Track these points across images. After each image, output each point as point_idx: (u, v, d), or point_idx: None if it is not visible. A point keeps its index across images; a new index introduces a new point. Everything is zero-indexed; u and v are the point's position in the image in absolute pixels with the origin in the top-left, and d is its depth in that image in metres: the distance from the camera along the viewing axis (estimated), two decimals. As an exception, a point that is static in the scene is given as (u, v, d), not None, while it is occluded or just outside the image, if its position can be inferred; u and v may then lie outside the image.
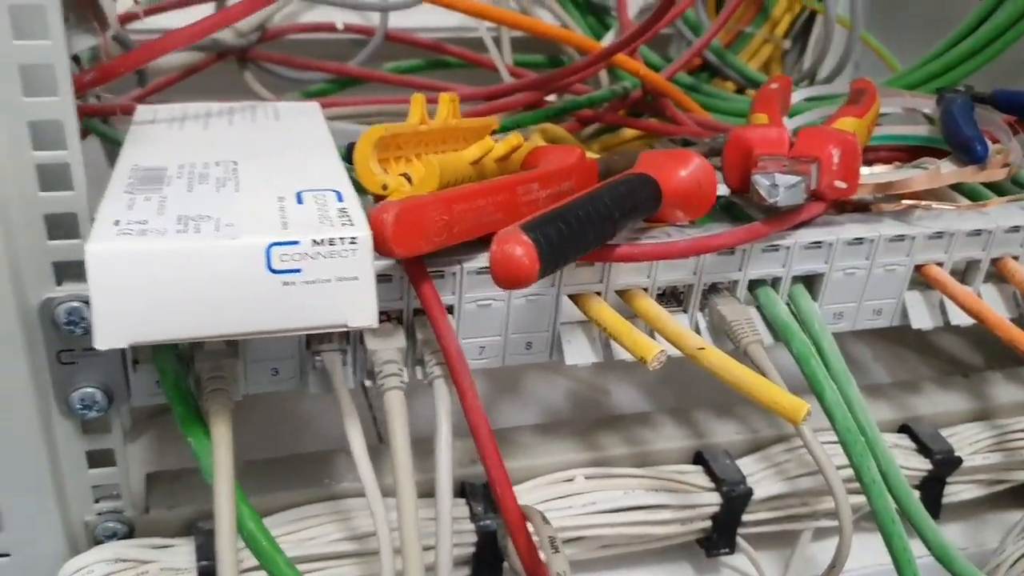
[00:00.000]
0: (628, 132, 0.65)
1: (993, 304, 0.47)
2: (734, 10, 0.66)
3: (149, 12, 0.58)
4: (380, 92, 0.67)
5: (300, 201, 0.33)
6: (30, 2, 0.30)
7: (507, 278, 0.31)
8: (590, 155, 0.46)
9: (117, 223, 0.30)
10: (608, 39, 0.69)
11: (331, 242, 0.30)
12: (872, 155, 0.52)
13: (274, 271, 0.29)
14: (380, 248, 0.32)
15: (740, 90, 0.73)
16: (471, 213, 0.36)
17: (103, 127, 0.52)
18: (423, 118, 0.41)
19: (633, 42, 0.55)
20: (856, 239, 0.43)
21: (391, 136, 0.38)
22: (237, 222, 0.30)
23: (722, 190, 0.44)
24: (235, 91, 0.65)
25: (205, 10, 0.60)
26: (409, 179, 0.38)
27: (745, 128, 0.44)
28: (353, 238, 0.30)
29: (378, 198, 0.38)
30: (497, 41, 0.71)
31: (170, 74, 0.61)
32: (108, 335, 0.29)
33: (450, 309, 0.38)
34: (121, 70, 0.40)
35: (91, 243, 0.28)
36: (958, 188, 0.50)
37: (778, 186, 0.39)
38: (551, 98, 0.65)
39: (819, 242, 0.43)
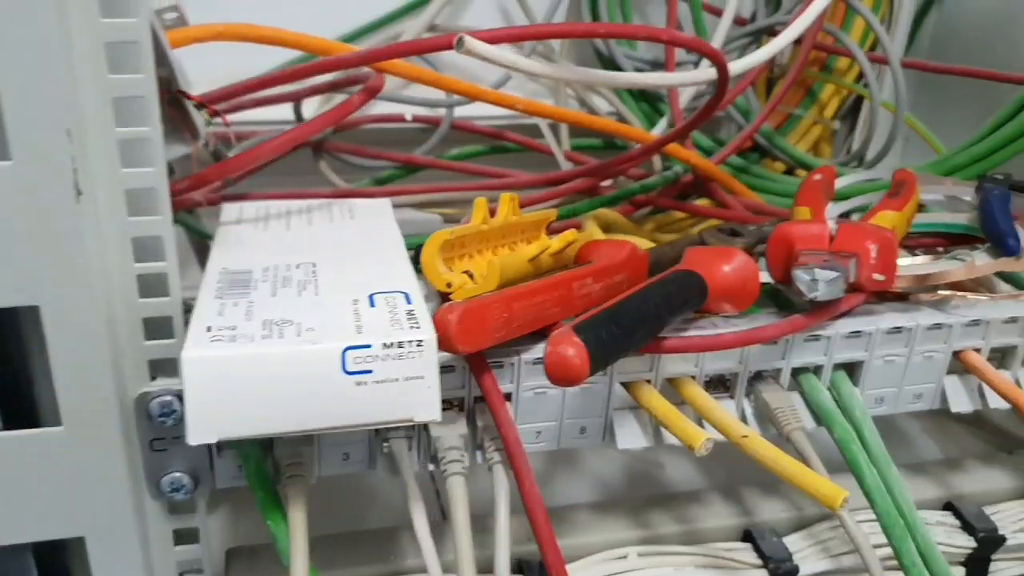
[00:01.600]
0: (679, 214, 0.68)
1: (1034, 388, 0.48)
2: (783, 97, 0.69)
3: (229, 111, 0.62)
4: (445, 175, 0.71)
5: (372, 304, 0.36)
6: (139, 135, 0.34)
7: (560, 377, 0.34)
8: (641, 247, 0.49)
9: (209, 329, 0.33)
10: (661, 126, 0.72)
11: (400, 345, 0.33)
12: (914, 242, 0.54)
13: (348, 372, 0.33)
14: (444, 345, 0.35)
15: (789, 170, 0.76)
16: (530, 309, 0.39)
17: (188, 218, 0.57)
18: (485, 219, 0.44)
19: (685, 135, 0.58)
20: (895, 328, 0.45)
21: (455, 239, 0.41)
22: (316, 326, 0.34)
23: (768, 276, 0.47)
24: (311, 177, 0.70)
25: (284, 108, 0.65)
26: (471, 276, 0.42)
27: (788, 224, 0.46)
28: (420, 341, 0.33)
29: (444, 295, 0.42)
30: (555, 127, 0.74)
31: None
32: (200, 432, 0.32)
33: (508, 396, 0.41)
34: (214, 178, 0.44)
35: (187, 350, 0.32)
36: (1003, 275, 0.52)
37: (818, 280, 0.42)
38: (607, 182, 0.68)
39: (859, 332, 0.45)
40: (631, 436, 0.44)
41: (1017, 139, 0.63)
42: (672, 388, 0.44)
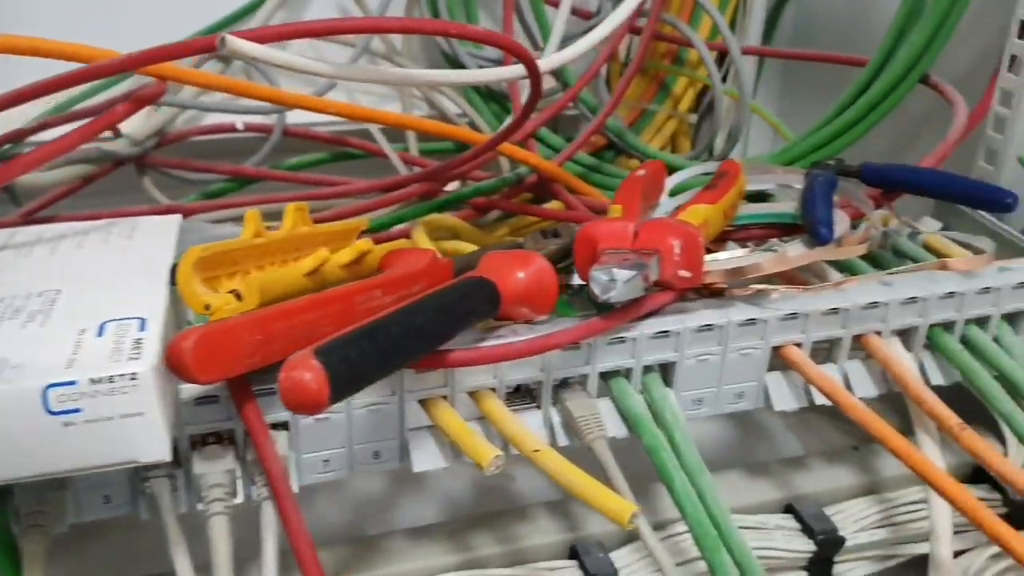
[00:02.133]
0: (532, 217, 0.66)
1: (860, 381, 0.47)
2: (624, 91, 0.67)
3: (37, 130, 0.58)
4: (285, 188, 0.68)
5: (101, 333, 0.33)
6: None
7: (296, 404, 0.30)
8: (456, 254, 0.46)
9: (-94, 371, 0.30)
10: (505, 126, 0.69)
11: (110, 379, 0.30)
12: (744, 234, 0.52)
13: (53, 412, 0.29)
14: (181, 375, 0.32)
15: (645, 166, 0.74)
16: (295, 330, 0.36)
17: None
18: (258, 231, 0.41)
19: (511, 134, 0.56)
20: (705, 326, 0.43)
21: (214, 254, 0.38)
22: (24, 362, 0.30)
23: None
24: (136, 195, 0.66)
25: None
26: (239, 296, 0.38)
27: (592, 224, 0.44)
28: (133, 374, 0.30)
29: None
30: (402, 133, 0.71)
31: (63, 186, 0.61)
32: None
33: (286, 425, 0.38)
34: None
35: None
36: (840, 264, 0.50)
37: (615, 281, 0.39)
38: (454, 186, 0.65)
39: (666, 331, 0.42)
40: (428, 457, 0.41)
41: (855, 124, 0.62)
42: (474, 401, 0.41)
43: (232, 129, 0.69)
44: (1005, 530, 0.36)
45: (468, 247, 0.57)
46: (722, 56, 0.75)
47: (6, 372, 0.30)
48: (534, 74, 0.48)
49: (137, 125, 0.65)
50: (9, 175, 0.42)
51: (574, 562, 0.46)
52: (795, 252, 0.44)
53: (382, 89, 0.77)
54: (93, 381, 0.30)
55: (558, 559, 0.46)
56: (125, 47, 0.43)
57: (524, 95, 0.69)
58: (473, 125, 0.75)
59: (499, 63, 0.74)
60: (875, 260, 0.52)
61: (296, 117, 0.70)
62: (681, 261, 0.42)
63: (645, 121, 0.78)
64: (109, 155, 0.62)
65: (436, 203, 0.59)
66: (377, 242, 0.57)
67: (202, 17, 0.74)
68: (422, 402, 0.40)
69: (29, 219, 0.57)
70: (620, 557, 0.46)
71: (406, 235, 0.57)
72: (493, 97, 0.75)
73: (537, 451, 0.37)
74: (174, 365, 0.32)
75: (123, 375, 0.30)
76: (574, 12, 0.72)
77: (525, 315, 0.42)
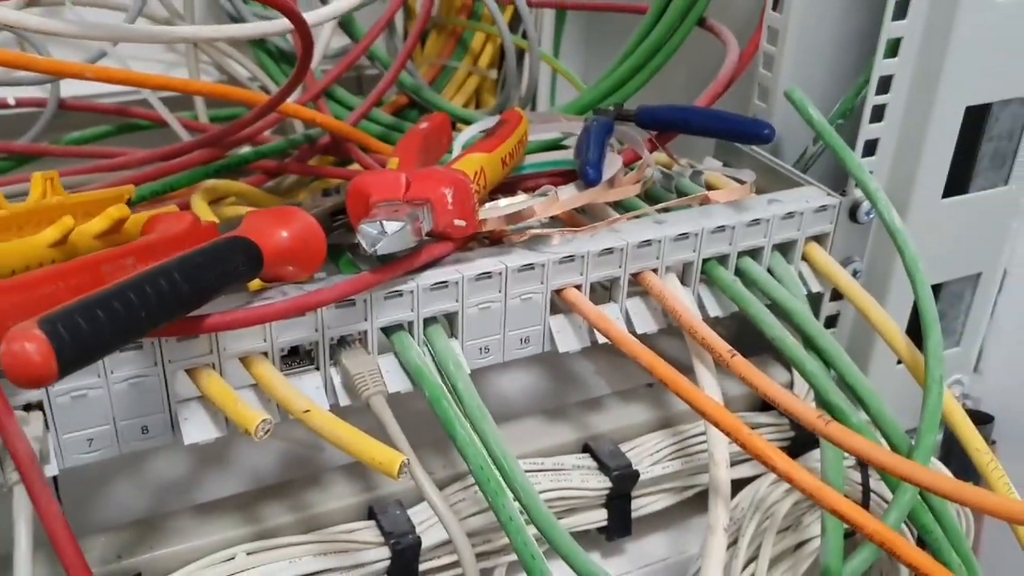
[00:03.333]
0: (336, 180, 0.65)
1: (640, 318, 0.48)
2: (411, 47, 0.66)
3: None
4: (69, 164, 0.64)
5: None
6: None
7: (20, 378, 0.29)
8: (209, 219, 0.45)
9: None
10: (298, 91, 0.67)
11: None
12: (532, 183, 0.53)
13: None
14: None
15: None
16: (32, 303, 0.34)
17: None
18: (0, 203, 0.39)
19: (288, 93, 0.54)
20: (484, 273, 0.43)
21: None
22: None
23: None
24: None
25: None
26: (-27, 272, 0.36)
27: (362, 175, 0.43)
28: None
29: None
30: (190, 101, 0.69)
31: None
32: None
33: (37, 405, 0.36)
34: None
35: None
36: (621, 205, 0.51)
37: (385, 233, 0.38)
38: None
39: (444, 282, 0.42)
40: (200, 428, 0.39)
41: (639, 70, 0.63)
42: (245, 367, 0.40)
43: (4, 105, 0.65)
44: (764, 447, 0.37)
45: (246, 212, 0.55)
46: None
47: None
48: (301, 27, 0.47)
49: None
50: None
51: (371, 522, 0.45)
52: (567, 195, 0.45)
53: (169, 57, 0.74)
54: None
55: (356, 520, 0.45)
56: None
57: (318, 52, 0.67)
58: (265, 89, 0.72)
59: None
60: (657, 200, 0.53)
61: (73, 89, 0.66)
62: (454, 210, 0.42)
63: (445, 78, 0.77)
64: None
65: (213, 167, 0.57)
66: (152, 204, 0.55)
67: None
68: (189, 371, 0.39)
69: None
70: (417, 512, 0.45)
71: (186, 206, 0.55)
72: (285, 59, 0.73)
73: (307, 411, 0.37)
74: None
75: None
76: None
77: (292, 275, 0.41)
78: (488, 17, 0.77)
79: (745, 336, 0.53)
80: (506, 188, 0.51)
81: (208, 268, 0.36)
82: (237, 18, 0.72)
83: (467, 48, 0.77)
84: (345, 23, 0.73)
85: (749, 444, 0.38)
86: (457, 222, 0.42)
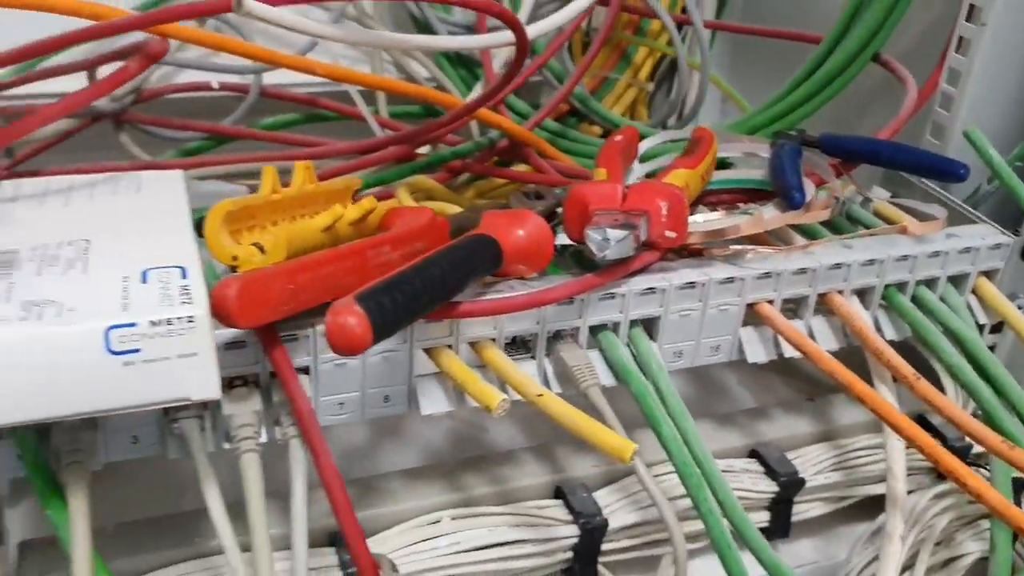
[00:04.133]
0: (500, 180, 0.68)
1: (822, 336, 0.51)
2: (591, 60, 0.70)
3: (17, 83, 0.59)
4: (260, 147, 0.69)
5: (145, 280, 0.34)
6: None
7: (342, 346, 0.33)
8: (443, 214, 0.49)
9: (-39, 313, 0.31)
10: (476, 91, 0.72)
11: (168, 322, 0.32)
12: (715, 198, 0.56)
13: (114, 352, 0.31)
14: (224, 321, 0.34)
15: (606, 133, 0.77)
16: (319, 280, 0.38)
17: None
18: (275, 187, 0.43)
19: (490, 100, 0.58)
20: (688, 283, 0.46)
21: (240, 209, 0.40)
22: (79, 306, 0.32)
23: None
24: (112, 152, 0.67)
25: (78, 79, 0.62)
26: (262, 248, 0.40)
27: (582, 185, 0.47)
28: (190, 317, 0.32)
29: (233, 268, 0.40)
30: (372, 94, 0.73)
31: (42, 141, 0.62)
32: (-44, 419, 0.31)
33: (307, 370, 0.41)
34: None
35: (-66, 334, 0.30)
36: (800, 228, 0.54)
37: (609, 240, 0.42)
38: (425, 149, 0.67)
39: (653, 288, 0.46)
40: (434, 401, 0.43)
41: (812, 98, 0.66)
42: (474, 352, 0.44)
43: (208, 88, 0.70)
44: (957, 464, 0.40)
45: (446, 207, 0.59)
46: (679, 25, 0.79)
47: (64, 315, 0.32)
48: (522, 41, 0.51)
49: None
50: (25, 130, 0.43)
51: (559, 501, 0.49)
52: (770, 215, 0.48)
53: (352, 52, 0.78)
54: (153, 323, 0.32)
55: (545, 498, 0.49)
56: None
57: (496, 61, 0.72)
58: (441, 88, 0.77)
59: (470, 28, 0.76)
60: (831, 224, 0.56)
61: (271, 78, 0.71)
62: (667, 222, 0.45)
63: (606, 89, 0.81)
64: (92, 110, 0.63)
65: (418, 164, 0.61)
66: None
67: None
68: (428, 351, 0.43)
69: (11, 173, 0.58)
70: (602, 496, 0.49)
71: (388, 196, 0.60)
72: (461, 62, 0.77)
73: (540, 395, 0.41)
74: (218, 310, 0.34)
75: (180, 318, 0.32)
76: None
77: (521, 271, 0.45)
78: (652, 33, 0.80)
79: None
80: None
81: (468, 262, 0.40)
82: (422, 20, 0.76)
83: (630, 61, 0.81)
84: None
85: (943, 460, 0.41)
86: (668, 233, 0.45)
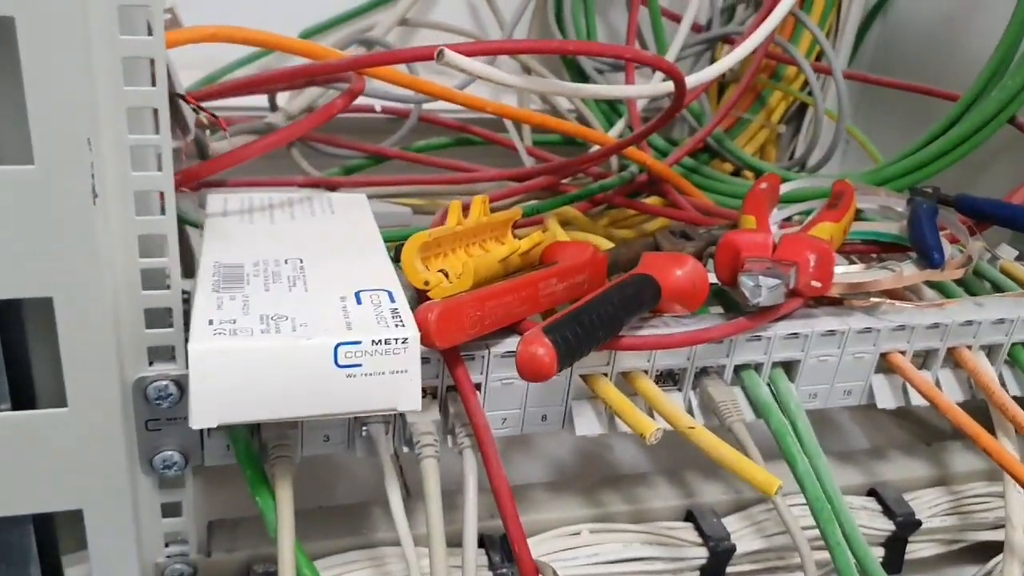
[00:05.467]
0: (630, 210, 0.72)
1: (949, 387, 0.53)
2: (735, 103, 0.73)
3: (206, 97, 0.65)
4: (411, 166, 0.74)
5: (359, 301, 0.39)
6: (149, 142, 0.36)
7: (531, 374, 0.37)
8: (600, 246, 0.53)
9: (211, 323, 0.37)
10: (618, 127, 0.76)
11: (387, 342, 0.36)
12: (851, 248, 0.59)
13: (340, 366, 0.36)
14: (424, 341, 0.39)
15: (737, 171, 0.80)
16: (500, 308, 0.43)
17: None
18: (460, 220, 0.48)
19: (642, 139, 0.62)
20: (829, 331, 0.50)
21: (433, 240, 0.45)
22: (310, 322, 0.37)
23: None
24: (282, 163, 0.73)
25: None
26: (446, 275, 0.45)
27: (735, 233, 0.50)
28: (405, 338, 0.37)
29: (421, 291, 0.45)
30: (518, 124, 0.78)
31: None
32: (202, 417, 0.36)
33: (478, 386, 0.45)
34: (205, 175, 0.47)
35: (192, 343, 0.35)
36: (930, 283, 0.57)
37: (761, 287, 0.46)
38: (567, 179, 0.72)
39: (796, 333, 0.49)
40: (588, 423, 0.48)
41: (947, 153, 0.68)
42: (626, 381, 0.48)
43: (371, 111, 0.75)
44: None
45: (587, 237, 0.63)
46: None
47: (299, 330, 0.37)
48: (680, 90, 0.55)
49: (290, 101, 0.72)
50: (231, 163, 0.48)
51: (690, 524, 0.53)
52: (909, 272, 0.51)
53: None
54: (374, 342, 0.36)
55: (676, 520, 0.53)
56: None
57: (640, 100, 0.75)
58: (582, 120, 0.81)
59: (615, 67, 0.81)
60: (962, 280, 0.59)
61: (428, 105, 0.77)
62: (814, 272, 0.48)
63: (740, 128, 0.84)
64: (269, 127, 0.69)
65: (569, 197, 0.65)
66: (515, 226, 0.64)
67: (341, 1, 0.80)
68: (584, 377, 0.47)
69: (200, 184, 0.64)
70: (730, 523, 0.53)
71: (538, 222, 0.64)
72: (608, 104, 0.82)
73: (692, 428, 0.44)
74: (421, 331, 0.38)
75: (397, 339, 0.37)
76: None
77: (677, 310, 0.49)
78: (788, 78, 0.83)
79: None
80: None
81: (634, 299, 0.44)
82: (570, 60, 0.80)
83: (764, 103, 0.84)
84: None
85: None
86: (814, 283, 0.49)
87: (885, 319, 0.51)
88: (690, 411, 0.49)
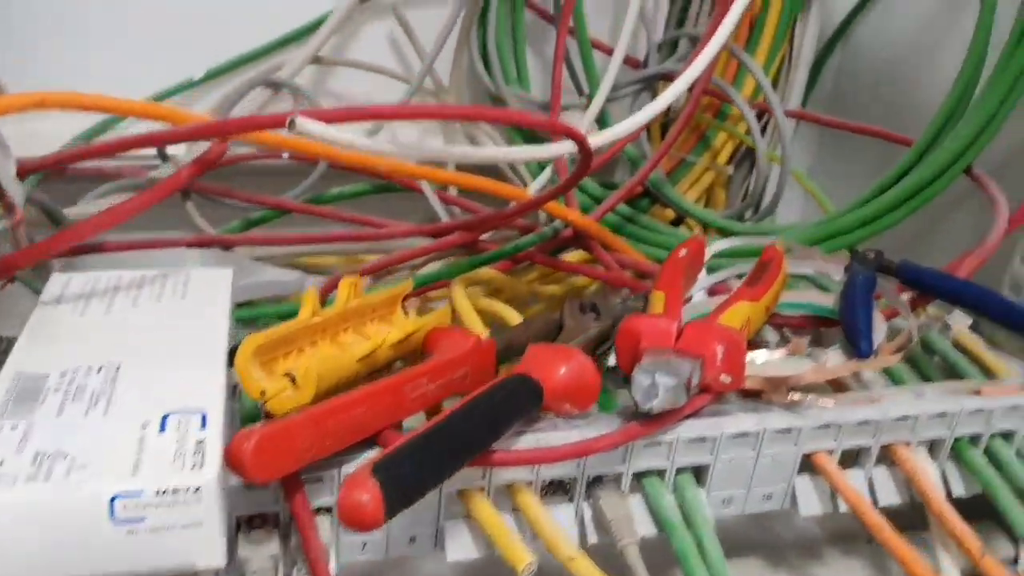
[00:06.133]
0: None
1: (884, 489, 0.47)
2: (670, 147, 0.67)
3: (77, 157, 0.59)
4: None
5: (163, 428, 0.33)
6: None
7: (354, 524, 0.32)
8: (484, 338, 0.47)
9: (-25, 461, 0.31)
10: (544, 175, 0.70)
11: (175, 491, 0.31)
12: (781, 320, 0.53)
13: (118, 521, 0.30)
14: (241, 475, 0.33)
15: (678, 219, 0.74)
16: (347, 422, 0.37)
17: (32, 278, 0.53)
18: (315, 310, 0.42)
19: (555, 197, 0.56)
20: (741, 433, 0.44)
21: (272, 341, 0.39)
22: (91, 462, 0.31)
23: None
24: (176, 220, 0.67)
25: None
26: (293, 379, 0.39)
27: (635, 318, 0.45)
28: (197, 487, 0.31)
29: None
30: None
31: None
32: (-46, 578, 0.30)
33: (330, 509, 0.39)
34: (56, 248, 0.41)
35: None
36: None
37: (657, 386, 0.40)
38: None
39: (703, 437, 0.43)
40: (462, 547, 0.42)
41: (901, 205, 0.62)
42: (508, 494, 0.42)
43: (277, 156, 0.70)
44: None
45: (494, 306, 0.57)
46: (760, 112, 0.76)
47: (73, 474, 0.31)
48: (585, 153, 0.49)
49: (184, 150, 0.66)
50: (84, 234, 0.43)
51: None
52: (833, 363, 0.45)
53: (427, 123, 0.77)
54: (158, 493, 0.31)
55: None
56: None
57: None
58: (511, 164, 0.75)
59: (543, 105, 0.75)
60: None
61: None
62: (723, 366, 0.43)
63: (683, 171, 0.78)
64: (155, 181, 0.63)
65: (480, 259, 0.60)
66: (418, 294, 0.58)
67: (255, 37, 0.74)
68: (460, 492, 0.41)
69: (77, 248, 0.58)
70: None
71: (445, 285, 0.58)
72: (534, 138, 0.76)
73: (572, 559, 0.39)
74: (234, 465, 0.33)
75: (187, 488, 0.31)
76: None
77: (568, 410, 0.43)
78: (733, 118, 0.77)
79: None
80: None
81: (503, 409, 0.38)
82: (496, 96, 0.75)
83: (708, 144, 0.78)
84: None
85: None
86: (723, 378, 0.43)
87: (808, 416, 0.45)
88: (582, 527, 0.43)
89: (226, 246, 0.63)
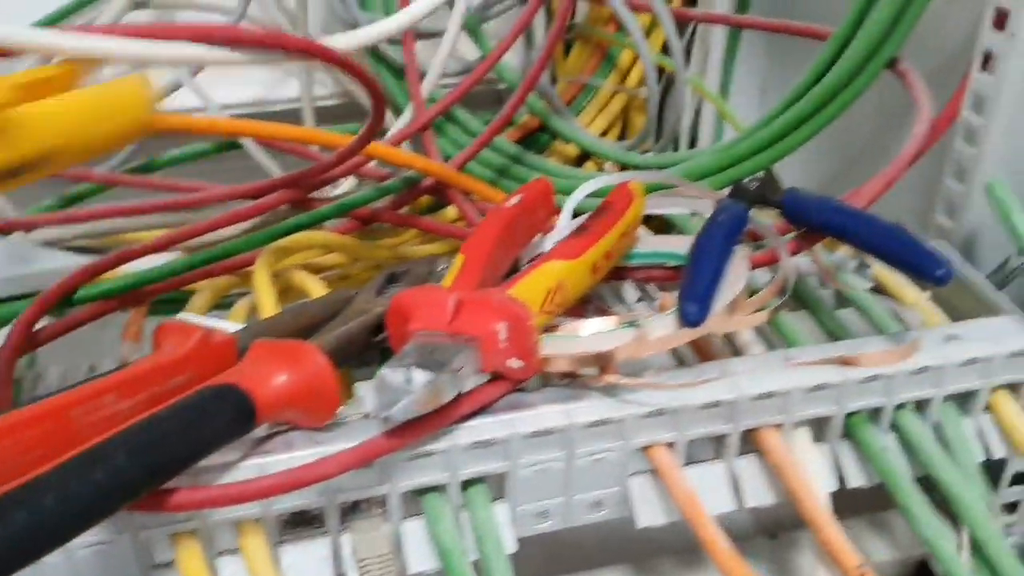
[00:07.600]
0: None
1: (753, 487, 0.37)
2: (543, 66, 0.55)
3: None
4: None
5: None
6: None
7: None
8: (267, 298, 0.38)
9: None
10: (407, 115, 0.59)
11: None
12: (642, 274, 0.43)
13: None
14: None
15: (583, 155, 0.64)
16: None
17: None
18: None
19: (369, 140, 0.46)
20: (539, 431, 0.34)
21: None
22: None
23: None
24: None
25: None
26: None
27: (407, 293, 0.34)
28: None
29: None
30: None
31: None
32: None
33: None
34: None
35: None
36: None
37: (412, 381, 0.30)
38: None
39: (487, 440, 0.33)
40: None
41: (815, 113, 0.50)
42: (237, 533, 0.33)
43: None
44: None
45: (307, 281, 0.48)
46: (683, 23, 0.64)
47: None
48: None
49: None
50: None
51: None
52: (660, 333, 0.34)
53: (288, 65, 0.67)
54: None
55: None
56: None
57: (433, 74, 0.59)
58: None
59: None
60: (805, 300, 0.43)
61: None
62: (508, 349, 0.33)
63: (586, 97, 0.67)
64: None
65: (303, 220, 0.49)
66: (234, 268, 0.49)
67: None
68: (173, 536, 0.32)
69: None
70: None
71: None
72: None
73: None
74: None
75: None
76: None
77: (300, 422, 0.33)
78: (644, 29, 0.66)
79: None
80: (615, 273, 0.42)
81: (178, 438, 0.29)
82: (352, 24, 0.64)
83: (614, 64, 0.66)
84: (472, 33, 0.64)
85: None
86: (512, 363, 0.33)
87: (632, 402, 0.34)
88: (339, 567, 0.34)
89: (27, 228, 0.54)
